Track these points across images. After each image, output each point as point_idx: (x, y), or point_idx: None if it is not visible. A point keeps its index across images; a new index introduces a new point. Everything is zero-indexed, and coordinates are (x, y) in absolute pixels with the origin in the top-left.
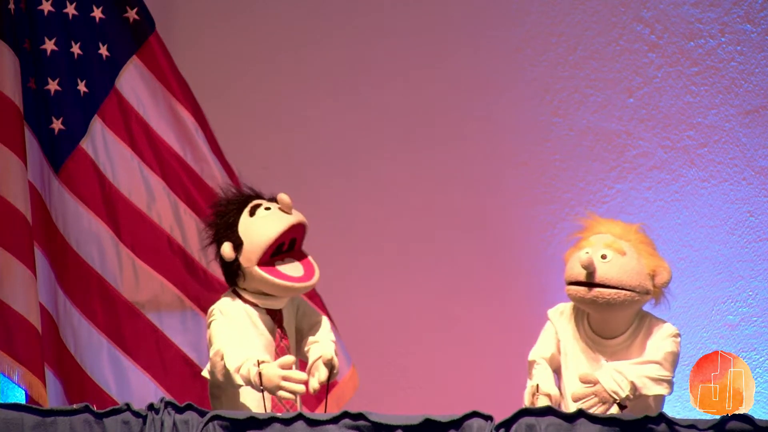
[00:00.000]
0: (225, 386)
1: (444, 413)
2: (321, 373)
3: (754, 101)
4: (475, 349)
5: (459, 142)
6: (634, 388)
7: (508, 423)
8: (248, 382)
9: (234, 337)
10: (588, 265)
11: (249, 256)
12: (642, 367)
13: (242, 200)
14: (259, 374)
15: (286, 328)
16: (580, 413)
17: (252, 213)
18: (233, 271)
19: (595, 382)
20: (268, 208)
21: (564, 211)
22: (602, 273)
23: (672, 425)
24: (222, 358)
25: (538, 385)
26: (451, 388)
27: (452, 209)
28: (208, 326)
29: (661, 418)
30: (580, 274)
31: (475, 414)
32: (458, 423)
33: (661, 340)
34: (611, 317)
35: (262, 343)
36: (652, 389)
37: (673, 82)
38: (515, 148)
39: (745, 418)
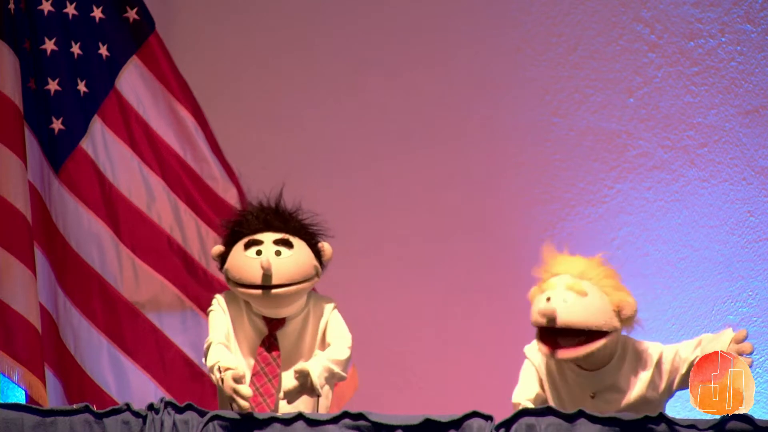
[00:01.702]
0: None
1: (444, 413)
2: (286, 383)
3: (754, 101)
4: (475, 349)
5: (459, 142)
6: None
7: (508, 423)
8: (218, 382)
9: (223, 333)
10: (550, 317)
11: (226, 274)
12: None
13: (257, 225)
14: (221, 380)
15: (282, 339)
16: (580, 413)
17: (247, 246)
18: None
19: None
20: (260, 252)
21: (564, 211)
22: (565, 317)
23: (672, 425)
24: (207, 354)
25: None
26: (451, 388)
27: (452, 209)
28: (208, 313)
29: (661, 418)
30: (543, 322)
31: (475, 414)
32: (458, 423)
33: (677, 360)
34: (591, 358)
35: (246, 344)
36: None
37: (673, 82)
38: (515, 148)
39: (745, 418)
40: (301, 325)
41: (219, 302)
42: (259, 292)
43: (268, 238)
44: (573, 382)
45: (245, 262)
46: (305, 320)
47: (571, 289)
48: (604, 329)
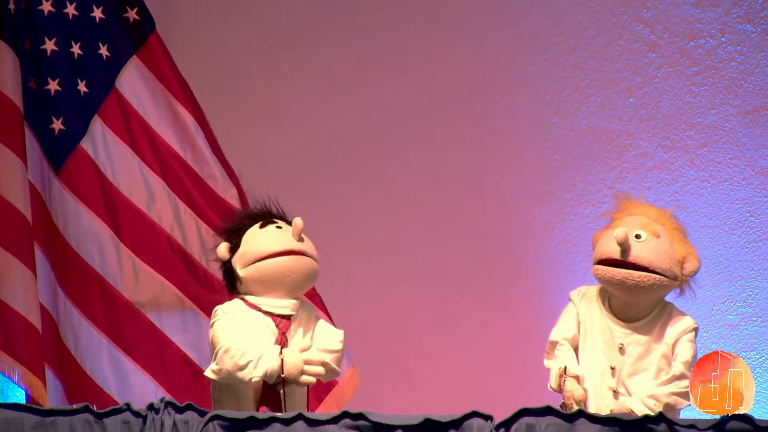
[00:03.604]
0: (229, 385)
1: (444, 413)
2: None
3: (754, 101)
4: (475, 349)
5: (459, 142)
6: (668, 407)
7: (508, 423)
8: (267, 374)
9: (240, 335)
10: (624, 241)
11: (241, 261)
12: (670, 385)
13: (260, 215)
14: (282, 362)
15: (290, 341)
16: (580, 413)
17: (262, 226)
18: (231, 276)
19: (629, 413)
20: (279, 227)
21: (564, 211)
22: (635, 252)
23: (672, 425)
24: (233, 356)
25: (566, 367)
26: (451, 388)
27: (452, 209)
28: (211, 326)
29: (661, 418)
30: (614, 252)
31: (475, 414)
32: (458, 423)
33: (680, 346)
34: (636, 300)
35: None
36: (684, 402)
37: (673, 82)
38: (515, 148)
39: (745, 418)
40: (299, 325)
41: (225, 311)
42: (291, 257)
43: (280, 222)
44: (603, 333)
45: (269, 235)
46: (299, 321)
47: (645, 228)
48: (666, 274)
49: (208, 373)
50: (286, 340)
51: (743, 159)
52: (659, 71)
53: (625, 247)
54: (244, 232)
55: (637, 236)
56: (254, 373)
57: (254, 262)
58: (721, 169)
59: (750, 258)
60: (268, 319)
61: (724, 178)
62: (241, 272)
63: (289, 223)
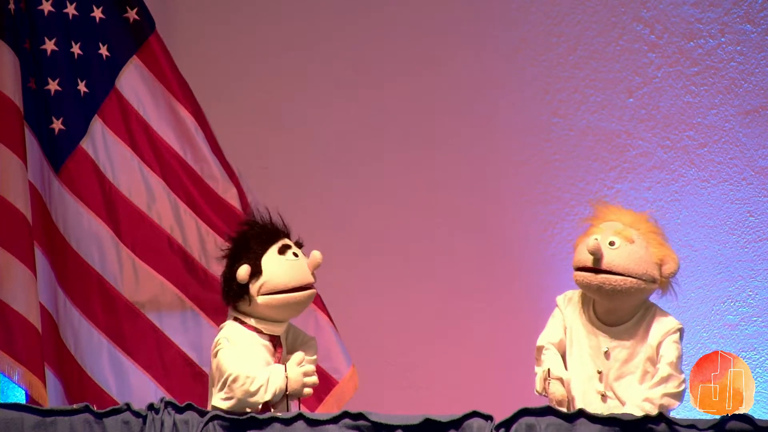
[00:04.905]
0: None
1: (444, 413)
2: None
3: (754, 101)
4: (475, 349)
5: (459, 142)
6: (662, 408)
7: (508, 423)
8: (275, 394)
9: (246, 361)
10: (595, 250)
11: (261, 289)
12: (659, 388)
13: (272, 234)
14: (287, 379)
15: (283, 357)
16: (580, 413)
17: (281, 251)
18: (237, 293)
19: None
20: (296, 254)
21: (564, 211)
22: (609, 259)
23: (672, 425)
24: (243, 383)
25: (549, 369)
26: (451, 388)
27: (452, 209)
28: (215, 355)
29: (661, 418)
30: (588, 260)
31: (475, 414)
32: (458, 423)
33: (664, 347)
34: (617, 304)
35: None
36: (675, 403)
37: (673, 82)
38: (515, 148)
39: (745, 418)
40: (289, 338)
41: (228, 338)
42: (306, 292)
43: (295, 247)
44: (589, 336)
45: (288, 266)
46: (284, 337)
47: (619, 235)
48: (643, 278)
49: (217, 402)
50: (281, 358)
51: (743, 159)
52: (659, 71)
53: (597, 256)
54: (259, 252)
55: (611, 243)
56: (265, 397)
57: (274, 293)
58: (721, 169)
59: (750, 258)
60: (265, 340)
61: (724, 178)
62: (259, 298)
63: (298, 244)
